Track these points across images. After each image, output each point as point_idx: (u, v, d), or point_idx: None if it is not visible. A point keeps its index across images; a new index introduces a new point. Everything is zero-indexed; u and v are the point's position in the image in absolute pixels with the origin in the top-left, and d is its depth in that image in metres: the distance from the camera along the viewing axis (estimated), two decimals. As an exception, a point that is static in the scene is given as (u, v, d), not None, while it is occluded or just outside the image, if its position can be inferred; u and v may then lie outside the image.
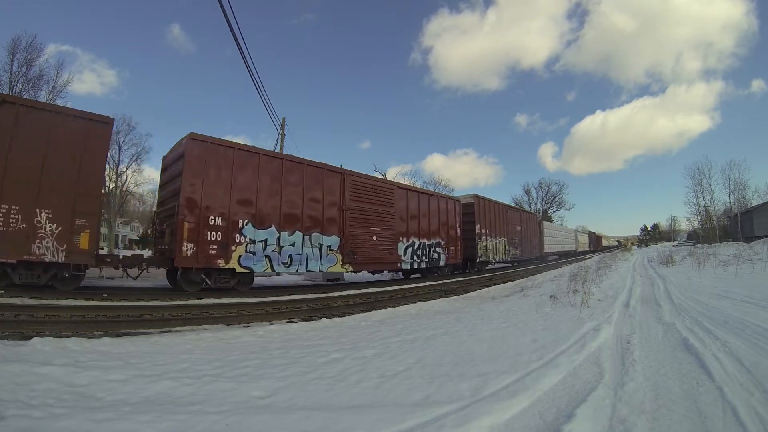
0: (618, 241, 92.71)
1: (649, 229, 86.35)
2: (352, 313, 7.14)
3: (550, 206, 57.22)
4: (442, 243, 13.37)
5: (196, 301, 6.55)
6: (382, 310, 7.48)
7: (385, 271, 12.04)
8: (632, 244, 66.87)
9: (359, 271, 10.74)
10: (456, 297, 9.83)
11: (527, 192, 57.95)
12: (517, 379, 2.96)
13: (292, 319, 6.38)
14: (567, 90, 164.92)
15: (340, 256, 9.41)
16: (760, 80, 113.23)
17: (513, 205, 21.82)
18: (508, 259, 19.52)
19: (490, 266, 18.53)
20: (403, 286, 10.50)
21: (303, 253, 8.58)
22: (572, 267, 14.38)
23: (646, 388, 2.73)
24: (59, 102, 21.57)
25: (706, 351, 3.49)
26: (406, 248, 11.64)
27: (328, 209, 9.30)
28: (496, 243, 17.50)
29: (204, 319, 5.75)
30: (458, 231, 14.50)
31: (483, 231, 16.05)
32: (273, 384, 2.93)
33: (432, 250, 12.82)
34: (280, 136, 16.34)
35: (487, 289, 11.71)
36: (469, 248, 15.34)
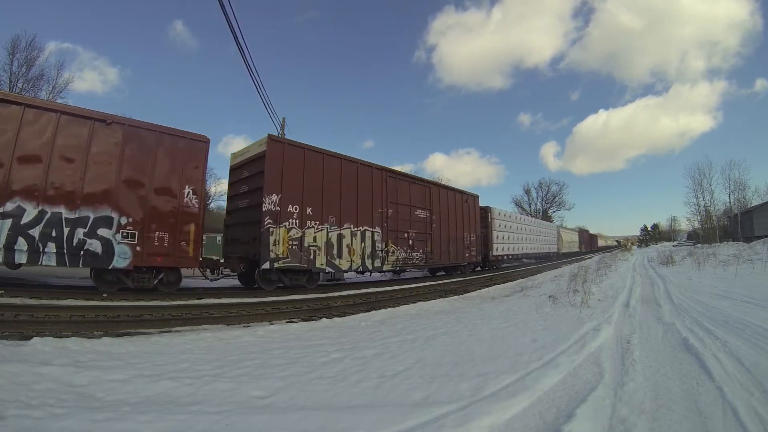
0: (617, 240, 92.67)
1: (649, 229, 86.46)
2: (352, 313, 7.14)
3: (550, 206, 57.26)
4: (126, 222, 6.62)
5: (196, 301, 6.56)
6: (382, 310, 7.48)
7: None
8: (632, 244, 66.86)
9: None
10: (456, 297, 9.83)
11: (527, 192, 57.92)
12: (517, 379, 2.96)
13: (292, 319, 6.38)
14: (571, 89, 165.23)
15: None
16: (763, 80, 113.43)
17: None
18: (385, 268, 10.82)
19: (340, 280, 11.04)
20: (403, 287, 10.50)
21: None
22: (572, 267, 14.35)
23: (646, 388, 2.73)
24: (59, 101, 21.60)
25: (706, 351, 3.49)
26: None
27: None
28: (338, 236, 9.37)
29: (204, 319, 5.75)
30: (189, 202, 7.35)
31: (294, 209, 8.44)
32: (273, 384, 2.93)
33: (81, 230, 6.23)
34: (280, 136, 16.34)
35: (487, 289, 11.71)
36: (249, 242, 8.48)
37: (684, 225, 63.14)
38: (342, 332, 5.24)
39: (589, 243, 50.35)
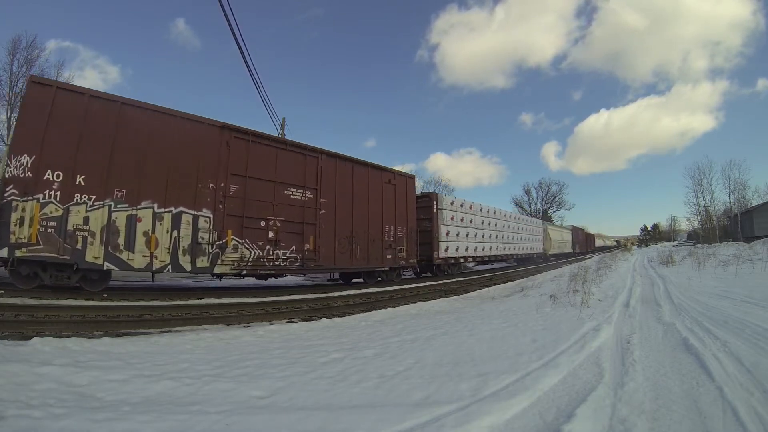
0: (617, 240, 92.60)
1: (649, 229, 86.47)
2: (352, 313, 7.14)
3: (550, 206, 57.17)
4: None
5: (196, 301, 6.56)
6: (382, 310, 7.48)
7: None
8: (632, 244, 66.84)
9: None
10: (456, 297, 9.83)
11: (527, 192, 57.68)
12: (517, 379, 2.95)
13: (292, 319, 6.38)
14: (573, 88, 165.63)
15: None
16: (765, 80, 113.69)
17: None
18: (218, 270, 7.40)
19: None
20: (403, 287, 10.51)
21: None
22: (571, 268, 14.33)
23: (646, 388, 2.73)
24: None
25: (706, 351, 3.49)
26: None
27: None
28: (130, 218, 6.47)
29: (204, 319, 5.76)
30: None
31: (55, 177, 5.96)
32: (273, 384, 2.93)
33: None
34: (280, 136, 16.34)
35: (487, 289, 11.72)
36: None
37: (684, 225, 63.19)
38: (342, 332, 5.24)
39: (584, 243, 45.57)
